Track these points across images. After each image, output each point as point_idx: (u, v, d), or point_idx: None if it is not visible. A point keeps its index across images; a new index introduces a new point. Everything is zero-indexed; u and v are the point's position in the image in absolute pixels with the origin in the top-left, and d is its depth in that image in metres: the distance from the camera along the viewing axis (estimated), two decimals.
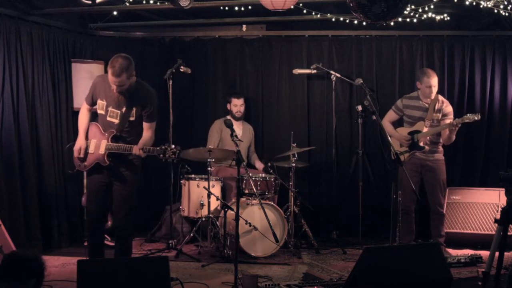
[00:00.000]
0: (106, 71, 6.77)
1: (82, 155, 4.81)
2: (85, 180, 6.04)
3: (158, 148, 4.73)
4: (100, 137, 4.80)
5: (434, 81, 5.96)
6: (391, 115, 6.28)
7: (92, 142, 4.83)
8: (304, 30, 7.18)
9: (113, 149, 4.75)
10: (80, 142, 4.84)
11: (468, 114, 5.83)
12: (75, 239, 6.36)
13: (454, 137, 5.98)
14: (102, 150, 4.76)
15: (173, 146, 4.76)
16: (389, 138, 5.43)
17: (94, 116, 5.00)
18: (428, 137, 5.98)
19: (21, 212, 5.75)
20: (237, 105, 6.75)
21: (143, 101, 4.80)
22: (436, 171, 6.01)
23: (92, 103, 4.90)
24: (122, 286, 3.52)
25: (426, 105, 6.02)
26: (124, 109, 4.77)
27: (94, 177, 4.86)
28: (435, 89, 5.97)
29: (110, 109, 4.78)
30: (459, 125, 5.84)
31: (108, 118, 4.80)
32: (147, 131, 4.85)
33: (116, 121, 4.79)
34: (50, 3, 6.16)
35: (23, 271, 2.83)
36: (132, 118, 4.80)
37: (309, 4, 6.37)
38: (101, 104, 4.82)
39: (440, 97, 6.09)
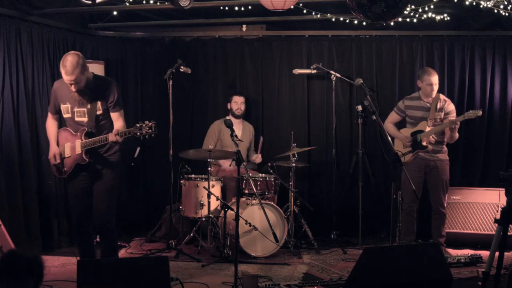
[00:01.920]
0: (106, 71, 6.84)
1: (58, 161, 4.82)
2: None
3: (132, 128, 4.65)
4: (73, 139, 4.79)
5: (435, 79, 5.97)
6: (393, 117, 6.28)
7: (66, 146, 4.82)
8: (304, 30, 7.18)
9: (89, 145, 4.73)
10: (53, 149, 4.87)
11: (470, 111, 5.84)
12: (75, 239, 6.35)
13: (457, 135, 6.00)
14: (78, 150, 4.75)
15: (147, 122, 4.63)
16: (389, 138, 5.43)
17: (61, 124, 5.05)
18: (431, 137, 5.97)
19: (21, 212, 5.75)
20: (237, 102, 6.74)
21: (105, 92, 4.78)
22: (440, 171, 6.02)
23: (56, 111, 4.91)
24: (122, 286, 3.52)
25: (428, 104, 6.03)
26: (89, 106, 4.76)
27: (76, 182, 4.85)
28: (436, 87, 5.99)
29: (75, 109, 4.78)
30: (458, 123, 5.85)
31: (77, 119, 4.79)
32: (118, 121, 4.82)
33: (85, 119, 4.78)
34: (50, 3, 6.16)
35: (22, 271, 2.81)
36: (99, 112, 4.78)
37: (309, 4, 6.37)
38: (65, 107, 4.82)
39: (442, 96, 6.10)
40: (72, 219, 4.95)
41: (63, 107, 4.81)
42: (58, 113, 4.91)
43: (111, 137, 4.67)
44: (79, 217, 4.91)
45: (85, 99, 4.75)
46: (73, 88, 4.67)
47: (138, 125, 4.63)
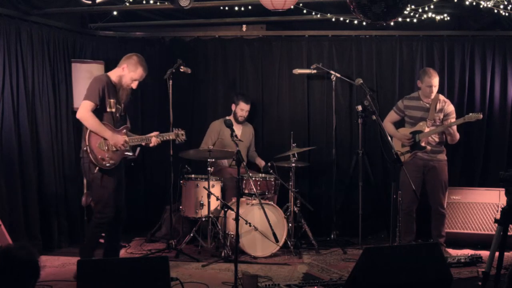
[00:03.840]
0: (106, 71, 6.82)
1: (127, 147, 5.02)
2: (85, 180, 6.04)
3: (169, 133, 5.36)
4: (118, 134, 5.00)
5: (435, 81, 5.96)
6: (392, 116, 6.28)
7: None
8: (304, 30, 7.18)
9: (135, 142, 5.10)
10: (119, 137, 4.95)
11: (471, 114, 5.83)
12: (75, 239, 6.36)
13: (457, 137, 6.00)
14: (127, 145, 5.03)
15: (181, 130, 5.39)
16: (390, 138, 5.43)
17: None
18: (431, 137, 5.97)
19: (21, 212, 5.75)
20: (243, 109, 6.72)
21: (129, 95, 5.24)
22: (439, 171, 6.02)
23: (100, 102, 4.90)
24: (122, 286, 3.52)
25: (427, 105, 6.03)
26: (122, 105, 5.11)
27: (115, 176, 4.98)
28: (435, 89, 5.98)
29: (117, 106, 5.03)
30: (454, 127, 5.86)
31: (116, 115, 5.03)
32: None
33: (118, 116, 5.06)
34: (50, 3, 6.16)
35: (19, 272, 2.76)
36: (123, 112, 5.15)
37: (309, 4, 6.37)
38: (111, 102, 4.97)
39: (441, 97, 6.10)
40: (103, 214, 4.91)
41: (109, 101, 4.94)
42: (101, 105, 4.91)
43: (154, 140, 5.15)
44: (113, 212, 4.96)
45: (126, 98, 5.13)
46: (134, 86, 5.09)
47: (176, 131, 5.34)
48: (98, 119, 4.86)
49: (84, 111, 4.84)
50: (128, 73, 5.00)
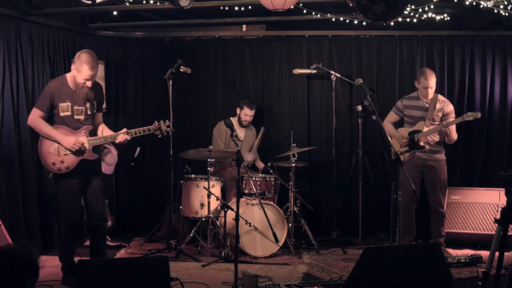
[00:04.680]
0: (106, 71, 6.85)
1: (79, 147, 4.83)
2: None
3: (144, 127, 5.07)
4: (75, 136, 4.86)
5: (432, 82, 5.95)
6: (391, 116, 6.28)
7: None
8: (304, 30, 7.18)
9: (98, 142, 4.92)
10: (69, 138, 4.81)
11: (469, 113, 5.84)
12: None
13: (454, 137, 5.99)
14: (86, 146, 4.86)
15: (163, 121, 5.14)
16: (389, 138, 5.43)
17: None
18: (430, 137, 5.97)
19: (21, 212, 5.75)
20: (247, 114, 6.71)
21: (99, 93, 5.12)
22: (438, 171, 6.02)
23: (49, 109, 4.85)
24: (122, 286, 3.52)
25: (427, 104, 6.03)
26: (87, 104, 4.95)
27: (73, 179, 4.89)
28: (431, 90, 5.97)
29: (75, 107, 4.89)
30: (449, 127, 5.86)
31: (76, 117, 4.89)
32: (101, 121, 5.16)
33: (82, 117, 4.91)
34: (50, 3, 6.16)
35: (19, 271, 2.76)
36: (91, 112, 4.99)
37: (309, 4, 6.37)
38: (65, 105, 4.85)
39: (440, 97, 6.10)
40: (67, 217, 4.90)
41: (62, 105, 4.84)
42: (49, 111, 4.88)
43: (121, 136, 4.92)
44: (77, 214, 4.97)
45: (85, 98, 4.90)
46: (88, 84, 4.85)
47: (157, 124, 5.07)
48: (49, 124, 4.86)
49: (32, 118, 4.90)
50: (77, 73, 4.82)
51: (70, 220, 4.92)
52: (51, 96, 4.86)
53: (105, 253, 5.15)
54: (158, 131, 5.09)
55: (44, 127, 4.84)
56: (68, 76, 4.93)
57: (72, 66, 4.86)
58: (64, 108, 4.85)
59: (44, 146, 4.84)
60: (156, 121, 5.13)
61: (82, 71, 4.78)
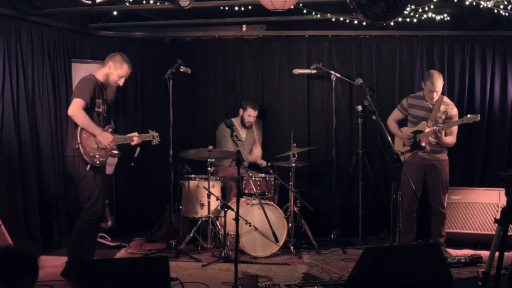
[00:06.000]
0: None
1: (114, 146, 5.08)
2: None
3: (147, 134, 5.42)
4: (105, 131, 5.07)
5: (438, 86, 5.92)
6: (396, 114, 6.28)
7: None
8: (304, 30, 7.18)
9: (119, 141, 5.14)
10: (107, 135, 4.99)
11: (469, 115, 5.83)
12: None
13: (449, 141, 5.98)
14: (113, 144, 5.06)
15: (155, 132, 5.46)
16: (389, 138, 5.43)
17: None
18: (430, 137, 5.96)
19: (21, 212, 5.75)
20: (251, 115, 6.71)
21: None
22: (439, 171, 6.01)
23: (91, 101, 4.96)
24: (122, 286, 3.52)
25: (431, 105, 6.01)
26: (106, 105, 5.17)
27: (101, 174, 5.04)
28: (437, 94, 5.96)
29: (103, 106, 5.09)
30: (442, 132, 5.86)
31: (104, 114, 5.13)
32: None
33: (105, 115, 5.15)
34: (50, 3, 6.16)
35: (17, 268, 2.77)
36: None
37: (309, 4, 6.37)
38: (99, 102, 5.04)
39: (446, 99, 6.08)
40: (96, 210, 4.94)
41: (98, 101, 5.02)
42: (90, 104, 4.96)
43: (136, 139, 5.26)
44: (102, 208, 5.09)
45: (112, 98, 5.19)
46: (121, 83, 5.15)
47: (151, 133, 5.42)
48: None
49: (75, 108, 4.88)
50: (115, 70, 5.08)
51: (97, 213, 4.97)
52: (94, 88, 4.97)
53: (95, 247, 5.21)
54: (153, 140, 5.44)
55: (86, 118, 4.90)
56: (99, 74, 5.09)
57: (109, 64, 5.07)
58: (99, 104, 5.02)
59: (84, 138, 4.89)
60: (150, 130, 5.45)
61: (122, 68, 5.09)
